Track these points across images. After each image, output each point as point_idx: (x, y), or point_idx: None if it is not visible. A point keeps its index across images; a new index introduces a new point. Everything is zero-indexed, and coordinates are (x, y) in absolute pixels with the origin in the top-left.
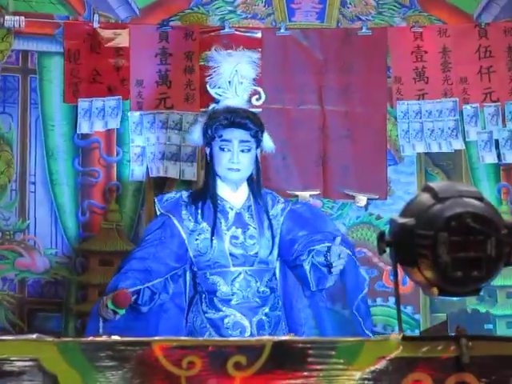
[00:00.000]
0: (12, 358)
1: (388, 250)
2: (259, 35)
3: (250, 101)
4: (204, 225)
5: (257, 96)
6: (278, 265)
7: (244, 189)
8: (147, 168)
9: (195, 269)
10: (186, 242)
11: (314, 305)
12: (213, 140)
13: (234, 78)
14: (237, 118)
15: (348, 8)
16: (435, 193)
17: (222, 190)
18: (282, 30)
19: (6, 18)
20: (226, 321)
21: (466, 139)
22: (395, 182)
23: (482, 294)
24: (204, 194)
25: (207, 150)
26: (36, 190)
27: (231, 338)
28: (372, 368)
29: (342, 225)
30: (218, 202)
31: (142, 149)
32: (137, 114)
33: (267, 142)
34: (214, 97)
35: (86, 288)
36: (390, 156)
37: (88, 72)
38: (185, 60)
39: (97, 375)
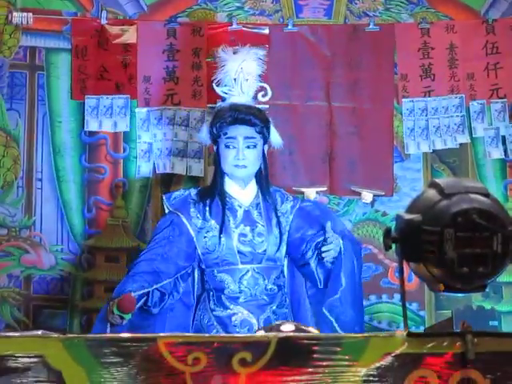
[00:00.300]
0: (17, 355)
1: (394, 246)
2: (267, 31)
3: (256, 97)
4: (212, 222)
5: (263, 92)
6: (285, 262)
7: (252, 186)
8: (154, 164)
9: (203, 266)
10: (195, 239)
11: (314, 303)
12: (218, 138)
13: (240, 76)
14: (240, 115)
15: (356, 4)
16: (441, 189)
17: (231, 187)
18: (289, 27)
19: (14, 14)
20: (233, 318)
21: (473, 135)
22: (401, 179)
23: (487, 290)
24: (212, 192)
25: (214, 149)
26: (42, 186)
27: (236, 335)
28: (377, 364)
29: (348, 221)
30: (227, 199)
31: (149, 145)
32: (144, 110)
33: (275, 137)
34: (221, 95)
35: (91, 285)
36: (397, 153)
37: (95, 68)
38: (192, 56)
39: (102, 371)
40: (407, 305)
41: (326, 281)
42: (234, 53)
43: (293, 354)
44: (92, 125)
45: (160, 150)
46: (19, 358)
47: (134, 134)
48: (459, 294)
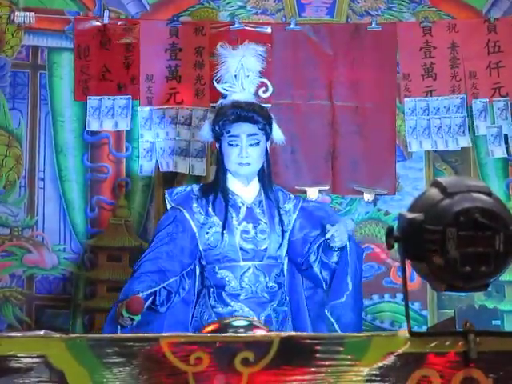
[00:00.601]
0: (19, 355)
1: (396, 245)
2: (269, 30)
3: (257, 94)
4: (215, 218)
5: (264, 88)
6: (286, 261)
7: (255, 184)
8: (156, 163)
9: (204, 262)
10: (197, 235)
11: (311, 304)
12: (221, 136)
13: (240, 72)
14: (243, 112)
15: (358, 3)
16: (444, 188)
17: (234, 184)
18: (291, 26)
19: (17, 13)
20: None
21: (476, 134)
22: (404, 178)
23: (489, 289)
24: (215, 188)
25: (217, 146)
26: (45, 186)
27: (239, 334)
28: (380, 364)
29: (350, 220)
30: (229, 196)
31: (152, 144)
32: (146, 109)
33: (277, 133)
34: (222, 92)
35: (94, 284)
36: (399, 152)
37: (98, 69)
38: (195, 55)
39: (104, 371)
40: (409, 304)
41: (331, 281)
42: (234, 49)
43: (295, 353)
44: (94, 125)
45: (162, 149)
46: (21, 358)
47: (136, 133)
48: (462, 293)
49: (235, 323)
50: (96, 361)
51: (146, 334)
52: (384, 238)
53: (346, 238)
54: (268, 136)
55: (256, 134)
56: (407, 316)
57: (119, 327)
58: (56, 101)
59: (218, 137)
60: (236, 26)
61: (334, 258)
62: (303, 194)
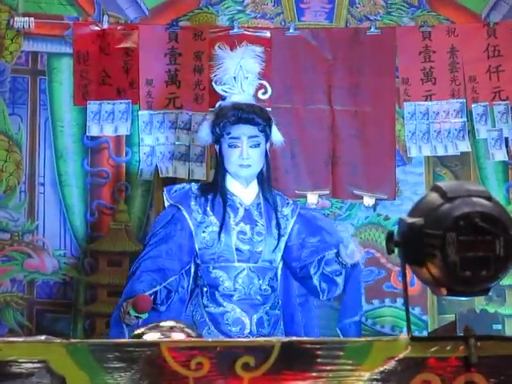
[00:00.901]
0: (20, 360)
1: (396, 250)
2: (268, 35)
3: (256, 95)
4: (212, 218)
5: (263, 90)
6: (281, 265)
7: (254, 186)
8: (156, 168)
9: (198, 261)
10: (193, 233)
11: (302, 311)
12: (221, 137)
13: (239, 74)
14: (244, 114)
15: (357, 8)
16: (444, 192)
17: (233, 185)
18: (291, 30)
19: (16, 19)
20: (226, 316)
21: (476, 137)
22: (403, 183)
23: (490, 293)
24: (214, 188)
25: (216, 148)
26: (45, 191)
27: (239, 339)
28: (381, 368)
29: (350, 225)
30: (228, 196)
31: (151, 149)
32: (146, 113)
33: (275, 134)
34: (221, 94)
35: (94, 289)
36: (399, 156)
37: (97, 73)
38: (194, 60)
39: (105, 376)
40: (410, 309)
41: (329, 293)
42: (232, 50)
43: (296, 358)
44: (94, 130)
45: (162, 154)
46: (22, 364)
47: (136, 137)
48: (462, 298)
49: (162, 324)
50: (97, 366)
51: (146, 340)
52: (384, 243)
53: (360, 256)
54: (268, 138)
55: (256, 136)
56: (408, 320)
57: (125, 326)
58: (56, 106)
59: (217, 138)
60: (235, 30)
61: (339, 274)
62: (303, 199)
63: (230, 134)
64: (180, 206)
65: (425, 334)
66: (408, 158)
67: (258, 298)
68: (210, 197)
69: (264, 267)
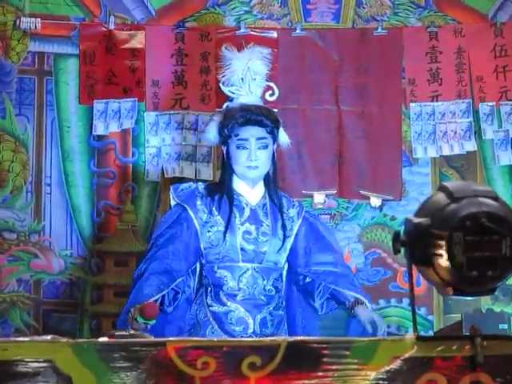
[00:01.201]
0: (26, 359)
1: (403, 250)
2: (275, 35)
3: (263, 97)
4: (218, 217)
5: (270, 92)
6: (286, 266)
7: (260, 186)
8: (163, 168)
9: (203, 261)
10: (199, 233)
11: (303, 313)
12: (229, 139)
13: (247, 75)
14: (252, 116)
15: (364, 8)
16: (450, 192)
17: (239, 186)
18: (297, 31)
19: (23, 19)
20: (229, 316)
21: (483, 138)
22: (410, 183)
23: (496, 293)
24: (220, 188)
25: (224, 149)
26: (51, 191)
27: (246, 339)
28: (387, 368)
29: (357, 225)
30: (234, 196)
31: (158, 149)
32: (152, 114)
33: (282, 136)
34: (228, 95)
35: (101, 289)
36: (405, 157)
37: (104, 73)
38: (201, 61)
39: (111, 376)
40: (416, 309)
41: (327, 311)
42: (239, 51)
43: (302, 358)
44: (100, 129)
45: (169, 155)
46: (29, 363)
47: (142, 138)
48: (468, 298)
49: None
50: (103, 365)
51: (152, 339)
52: (390, 243)
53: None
54: (275, 139)
55: (265, 138)
56: (414, 320)
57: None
58: (62, 106)
59: (225, 139)
60: (242, 31)
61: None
62: (310, 199)
63: (238, 135)
64: (186, 206)
65: (431, 333)
66: (414, 159)
67: (262, 298)
68: (216, 197)
69: (268, 267)
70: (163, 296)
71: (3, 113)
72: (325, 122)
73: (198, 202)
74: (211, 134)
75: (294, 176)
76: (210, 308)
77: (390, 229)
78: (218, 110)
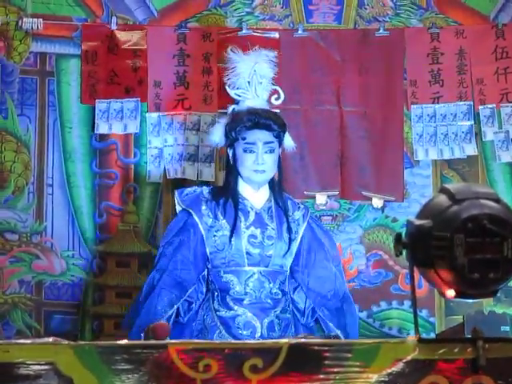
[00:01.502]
0: (28, 362)
1: (404, 252)
2: (277, 36)
3: (269, 101)
4: (223, 222)
5: (276, 95)
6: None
7: (265, 189)
8: (165, 169)
9: (209, 266)
10: (204, 238)
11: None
12: (236, 142)
13: (254, 78)
14: (261, 120)
15: (365, 9)
16: (452, 194)
17: (244, 189)
18: (299, 32)
19: (25, 20)
20: (237, 320)
21: (483, 139)
22: (411, 185)
23: (498, 295)
24: (225, 192)
25: (229, 152)
26: (53, 192)
27: (247, 341)
28: (389, 370)
29: (358, 227)
30: (239, 200)
31: (160, 150)
32: (154, 115)
33: (287, 140)
34: (234, 98)
35: (103, 290)
36: (406, 159)
37: (106, 73)
38: (203, 61)
39: (113, 378)
40: (417, 311)
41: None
42: (245, 54)
43: (304, 360)
44: (102, 128)
45: (171, 155)
46: (31, 366)
47: (144, 139)
48: (470, 300)
49: None
50: (105, 368)
51: (154, 341)
52: (392, 245)
53: None
54: (281, 143)
55: (272, 142)
56: (416, 322)
57: None
58: (64, 107)
59: (231, 142)
60: (244, 31)
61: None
62: (312, 199)
63: (245, 139)
64: (191, 211)
65: (432, 336)
66: (415, 161)
67: (269, 301)
68: (221, 201)
69: (275, 271)
70: (177, 308)
71: (5, 113)
72: (327, 122)
73: (203, 207)
74: (216, 135)
75: (295, 176)
76: (217, 313)
77: (391, 230)
78: (220, 111)
